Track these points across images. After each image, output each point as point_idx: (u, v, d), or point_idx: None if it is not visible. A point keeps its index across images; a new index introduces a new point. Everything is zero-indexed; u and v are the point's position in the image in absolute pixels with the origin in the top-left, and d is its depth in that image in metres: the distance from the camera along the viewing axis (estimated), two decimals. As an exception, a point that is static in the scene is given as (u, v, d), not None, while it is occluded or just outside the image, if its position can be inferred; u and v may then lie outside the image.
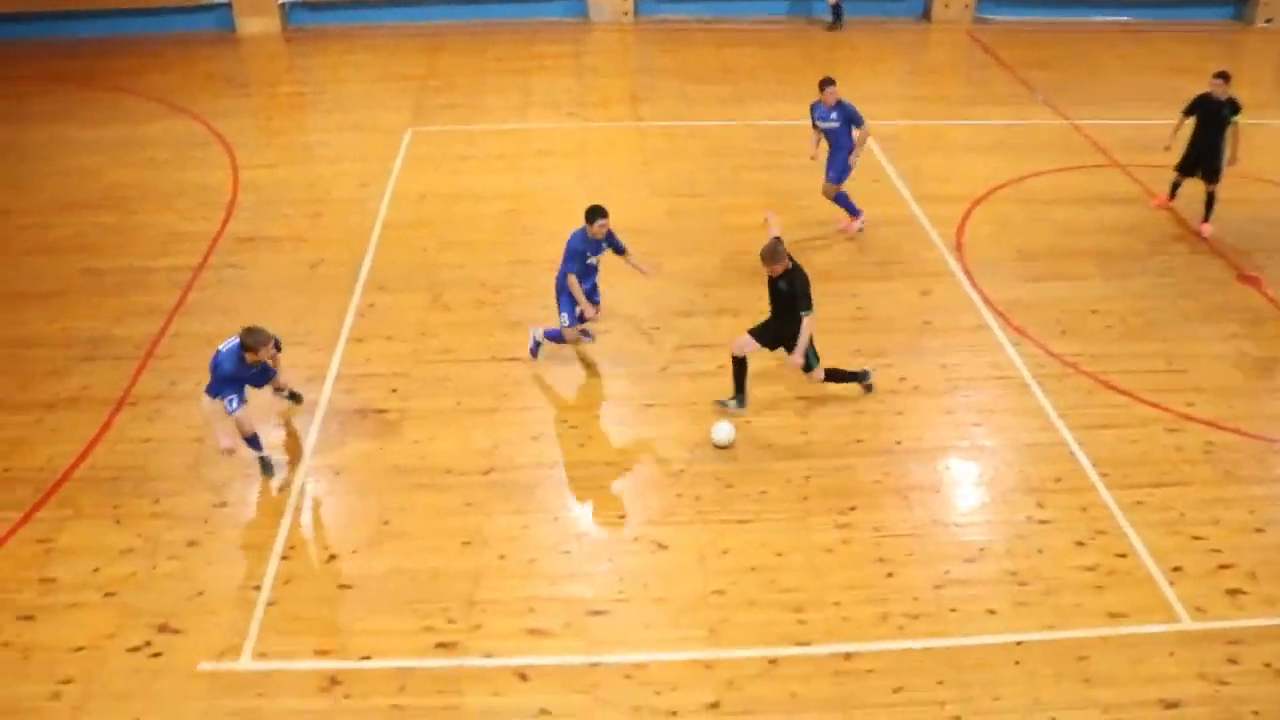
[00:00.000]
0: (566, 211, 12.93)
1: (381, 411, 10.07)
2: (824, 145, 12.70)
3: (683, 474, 9.24)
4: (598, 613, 8.03)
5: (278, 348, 9.18)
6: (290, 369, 10.12)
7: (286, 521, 8.90)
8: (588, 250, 10.13)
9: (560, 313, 10.36)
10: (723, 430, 9.59)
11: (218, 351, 8.96)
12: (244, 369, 9.01)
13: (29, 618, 8.13)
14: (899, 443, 9.66)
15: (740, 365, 9.85)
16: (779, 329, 9.63)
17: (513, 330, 11.13)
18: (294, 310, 11.60)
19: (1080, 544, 8.62)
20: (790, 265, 9.38)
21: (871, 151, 14.63)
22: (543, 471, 9.32)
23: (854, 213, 12.96)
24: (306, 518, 8.97)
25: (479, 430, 9.77)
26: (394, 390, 10.32)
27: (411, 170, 14.61)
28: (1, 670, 7.73)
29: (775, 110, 16.41)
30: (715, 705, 7.34)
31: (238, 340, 8.93)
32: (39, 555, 8.67)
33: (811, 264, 11.95)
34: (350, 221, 13.32)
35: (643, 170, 14.49)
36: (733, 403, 9.99)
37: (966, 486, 9.30)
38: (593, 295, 10.49)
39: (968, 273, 12.18)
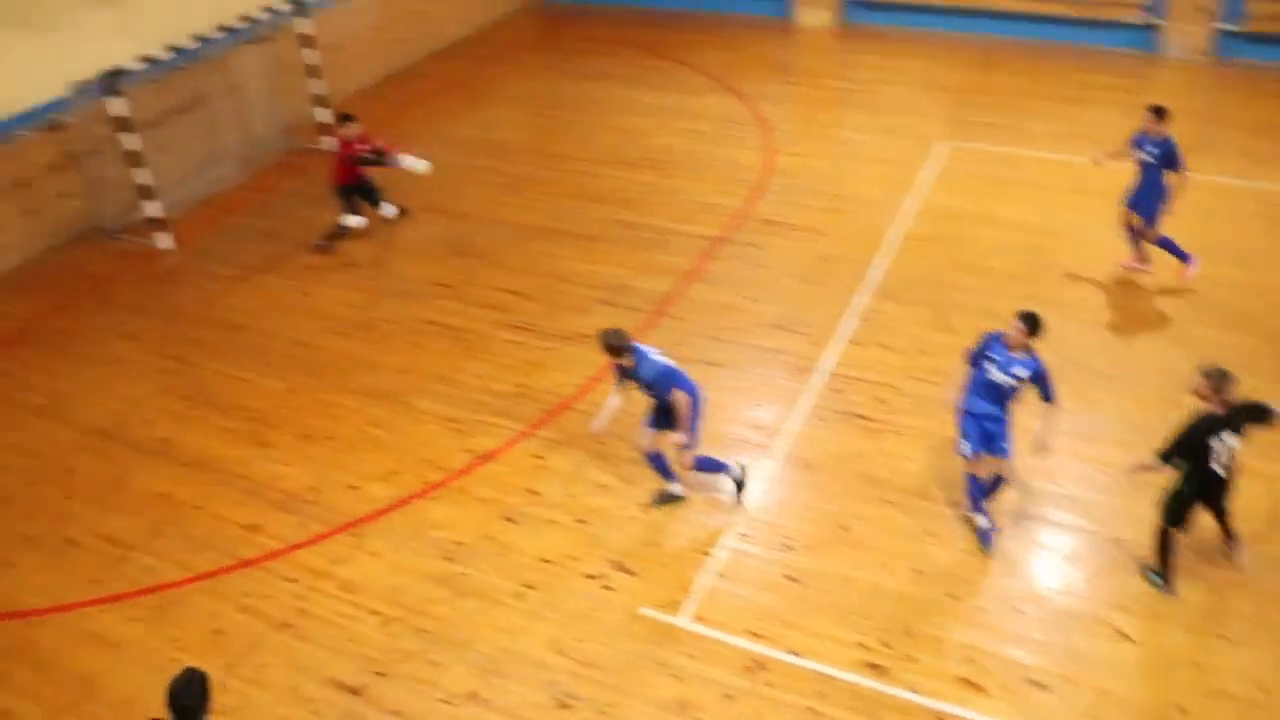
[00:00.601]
0: (1092, 258, 12.24)
1: (864, 418, 10.06)
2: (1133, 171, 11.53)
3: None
4: (1038, 685, 7.52)
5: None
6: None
7: (752, 500, 9.17)
8: (995, 362, 8.36)
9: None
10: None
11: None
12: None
13: (512, 520, 9.06)
14: None
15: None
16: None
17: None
18: (798, 299, 11.88)
19: None
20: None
21: None
22: (1009, 520, 8.89)
23: (1183, 258, 11.56)
24: (771, 501, 9.18)
25: (956, 460, 9.43)
26: (881, 400, 10.28)
27: (939, 183, 14.40)
28: (482, 559, 8.71)
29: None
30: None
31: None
32: (531, 468, 9.60)
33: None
34: (869, 223, 13.38)
35: (1179, 226, 13.28)
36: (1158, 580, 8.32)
37: None
38: (994, 442, 8.52)
39: None
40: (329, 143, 16.03)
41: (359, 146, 12.87)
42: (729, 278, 12.36)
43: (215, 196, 15.05)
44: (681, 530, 8.90)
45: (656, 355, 8.72)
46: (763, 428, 10.01)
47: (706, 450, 9.12)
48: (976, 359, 8.59)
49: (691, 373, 10.45)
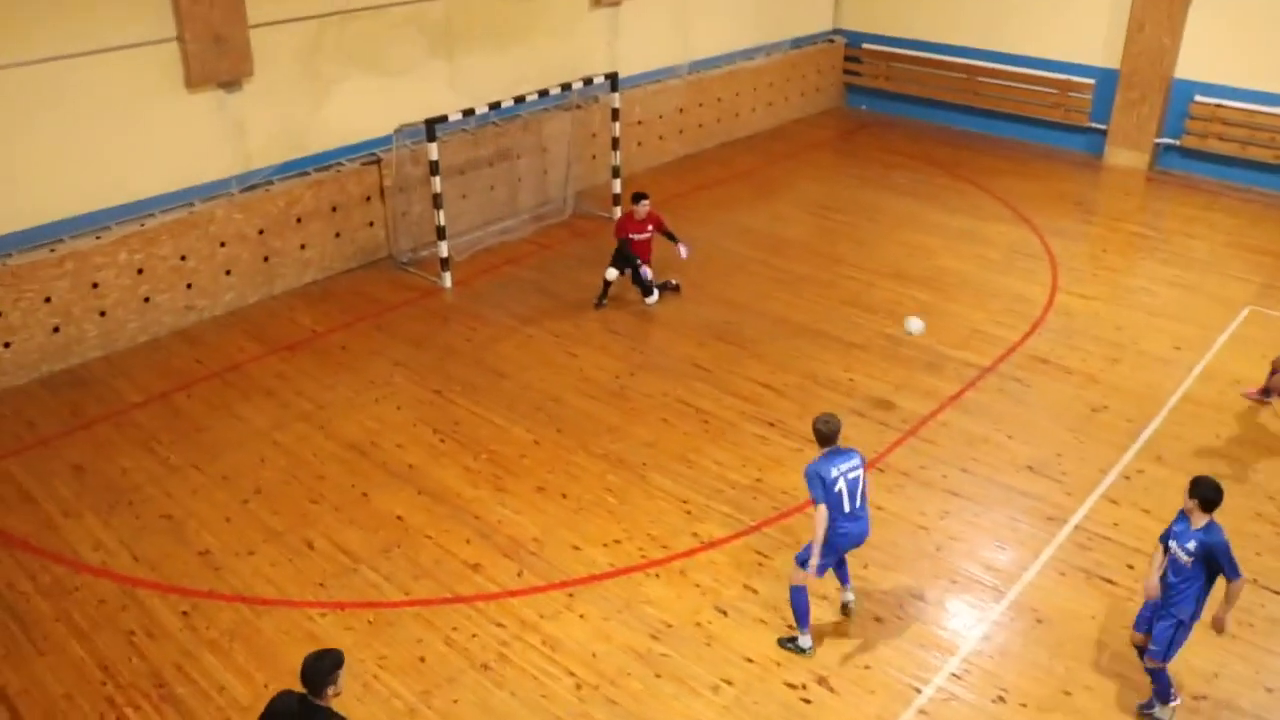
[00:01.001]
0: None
1: (1109, 581, 9.39)
2: None
3: None
4: None
5: None
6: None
7: (970, 642, 8.70)
8: (1176, 537, 7.78)
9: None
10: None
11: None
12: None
13: (724, 612, 8.95)
14: None
15: None
16: None
17: (1277, 558, 9.78)
18: (1060, 445, 11.28)
19: None
20: None
21: None
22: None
23: None
24: (990, 647, 8.68)
25: (1208, 649, 8.62)
26: (1130, 566, 9.56)
27: (1234, 349, 13.40)
28: (687, 644, 8.63)
29: None
30: None
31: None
32: (752, 564, 9.48)
33: None
34: (1150, 379, 12.59)
35: None
36: None
37: None
38: (1154, 623, 7.87)
39: None
40: (617, 212, 16.71)
41: (647, 228, 13.84)
42: (989, 410, 11.90)
43: (502, 246, 15.86)
44: (893, 659, 8.53)
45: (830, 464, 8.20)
46: (999, 570, 9.51)
47: (935, 587, 8.73)
48: (1166, 537, 7.94)
49: (933, 501, 10.26)
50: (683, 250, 14.13)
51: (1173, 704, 8.05)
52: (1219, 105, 19.29)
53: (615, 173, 16.83)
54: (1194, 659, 8.54)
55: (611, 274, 13.96)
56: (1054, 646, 8.70)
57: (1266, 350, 13.12)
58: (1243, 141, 19.17)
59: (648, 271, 13.93)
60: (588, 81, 15.95)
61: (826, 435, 8.27)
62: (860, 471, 8.33)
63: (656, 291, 14.12)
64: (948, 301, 14.43)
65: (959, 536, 9.88)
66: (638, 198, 13.86)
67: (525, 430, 11.39)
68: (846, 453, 8.33)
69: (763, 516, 10.08)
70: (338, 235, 14.75)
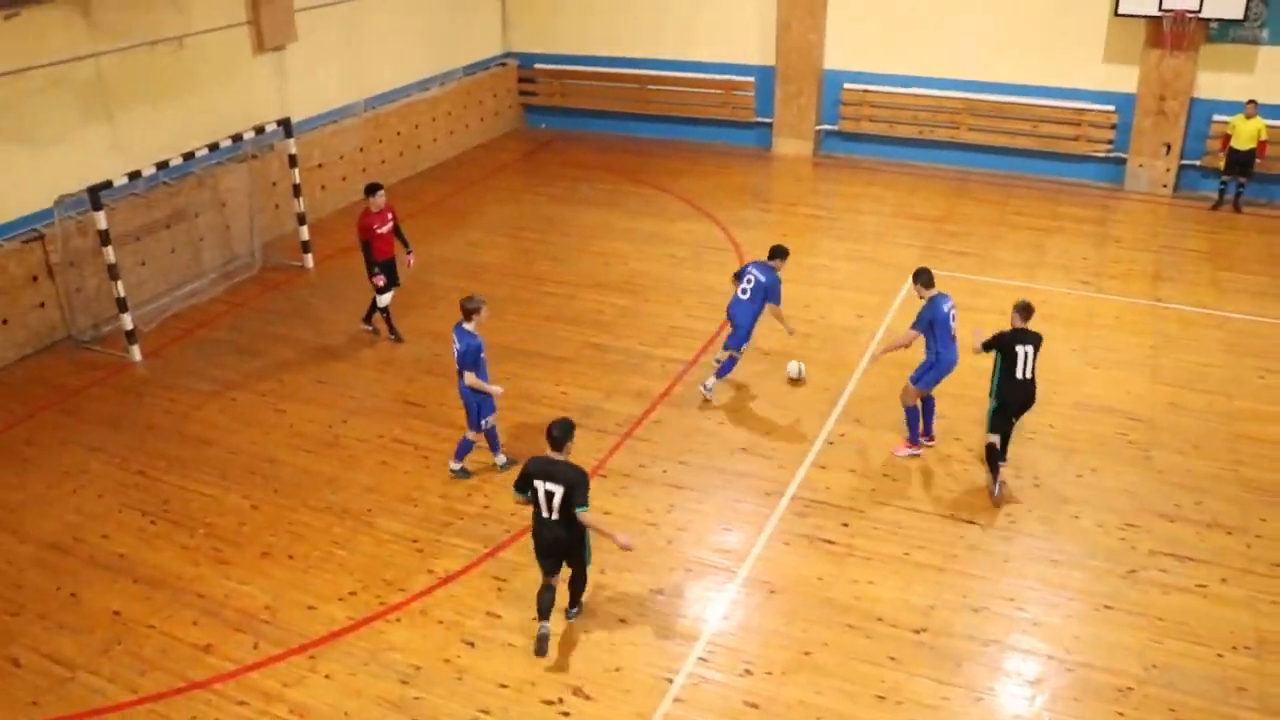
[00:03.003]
0: (1056, 381, 12.37)
1: (829, 542, 10.03)
2: None
3: (1130, 693, 8.33)
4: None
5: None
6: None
7: (712, 624, 9.08)
8: None
9: None
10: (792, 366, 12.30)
11: (468, 347, 10.41)
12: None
13: (471, 644, 8.91)
14: None
15: None
16: None
17: (977, 493, 10.71)
18: (768, 423, 11.93)
19: None
20: None
21: None
22: (976, 646, 8.79)
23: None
24: (731, 625, 9.08)
25: (921, 586, 9.44)
26: (845, 525, 10.26)
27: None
28: (439, 683, 8.54)
29: (1325, 315, 14.70)
30: None
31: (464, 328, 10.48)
32: (492, 591, 9.50)
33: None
34: (840, 349, 13.53)
35: (1149, 354, 13.48)
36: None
37: None
38: None
39: None
40: (309, 260, 16.32)
41: (388, 216, 13.63)
42: (698, 401, 12.42)
43: (191, 309, 15.15)
44: (641, 654, 8.77)
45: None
46: (729, 551, 9.96)
47: (671, 579, 9.02)
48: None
49: (658, 497, 10.63)
50: (411, 260, 13.99)
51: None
52: (866, 90, 20.92)
53: (301, 220, 16.43)
54: (911, 597, 9.27)
55: (386, 298, 13.83)
56: (789, 613, 9.19)
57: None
58: (890, 121, 20.90)
59: (384, 297, 13.83)
60: (260, 130, 15.51)
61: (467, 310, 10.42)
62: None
63: (378, 320, 14.07)
64: (645, 303, 14.96)
65: (686, 526, 10.27)
66: (373, 189, 13.57)
67: (241, 496, 10.95)
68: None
69: (496, 542, 10.12)
70: (4, 322, 13.64)
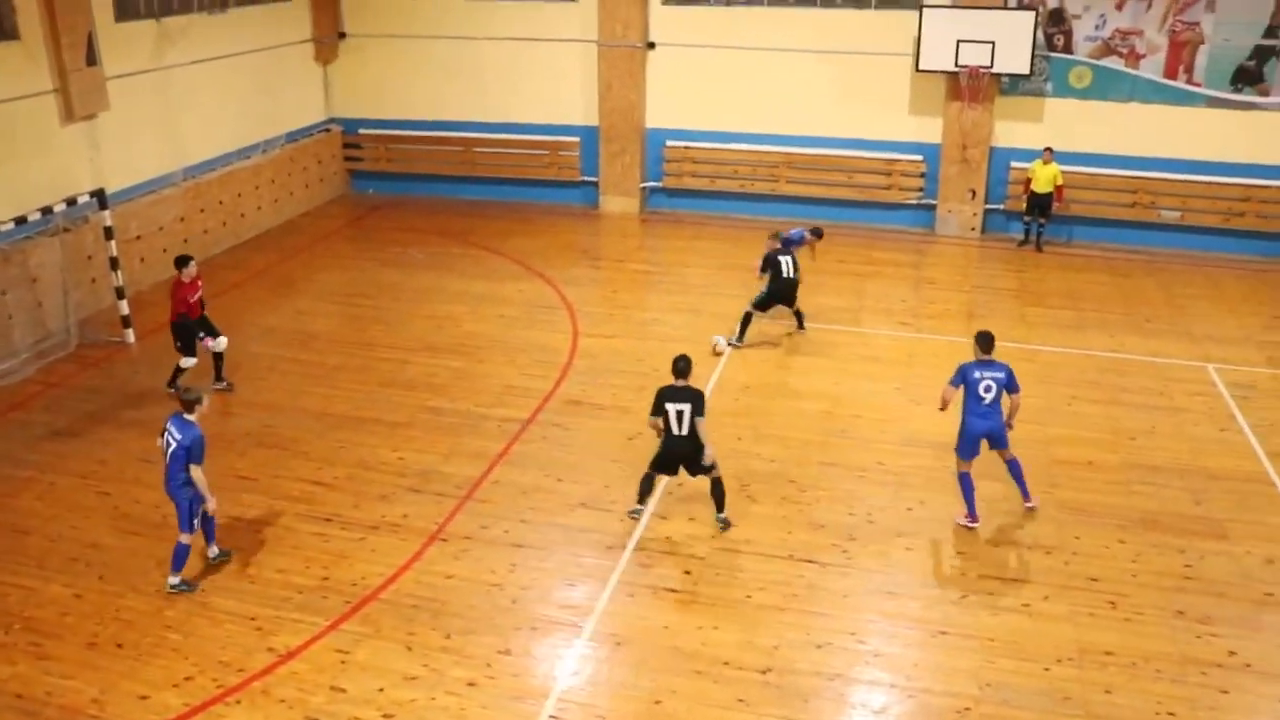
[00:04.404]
0: (884, 420, 12.89)
1: (673, 590, 10.16)
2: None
3: (968, 713, 8.68)
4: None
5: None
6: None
7: (562, 680, 9.06)
8: None
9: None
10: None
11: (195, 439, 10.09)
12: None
13: (315, 722, 8.67)
14: (1219, 729, 8.71)
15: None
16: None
17: (814, 531, 11.03)
18: (606, 477, 12.04)
19: None
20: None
21: (1222, 399, 13.76)
22: (821, 682, 9.02)
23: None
24: (581, 680, 9.08)
25: (764, 627, 9.64)
26: (687, 572, 10.41)
27: (737, 359, 15.03)
28: (283, 770, 8.23)
29: (1120, 342, 15.72)
30: None
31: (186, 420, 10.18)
32: (335, 664, 9.26)
33: (1139, 508, 11.31)
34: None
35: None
36: None
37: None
38: None
39: (1325, 552, 11.01)
40: (129, 335, 15.76)
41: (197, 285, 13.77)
42: (536, 459, 12.47)
43: (2, 391, 14.39)
44: (493, 717, 8.68)
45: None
46: (573, 607, 9.97)
47: (518, 638, 8.97)
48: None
49: (500, 557, 10.58)
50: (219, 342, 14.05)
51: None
52: (687, 147, 21.52)
53: (120, 294, 15.87)
54: (755, 639, 9.46)
55: (189, 362, 13.90)
56: (637, 663, 9.25)
57: (765, 356, 14.82)
58: (712, 176, 21.55)
59: (219, 343, 13.99)
60: (72, 201, 14.97)
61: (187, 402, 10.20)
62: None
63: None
64: (479, 364, 14.97)
65: (530, 585, 10.25)
66: (183, 260, 13.73)
67: (63, 586, 10.41)
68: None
69: (337, 613, 9.88)
70: None
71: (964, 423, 11.08)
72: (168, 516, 11.37)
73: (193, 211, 19.15)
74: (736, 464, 12.23)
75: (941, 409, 11.19)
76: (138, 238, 17.69)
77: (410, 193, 23.36)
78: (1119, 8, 19.18)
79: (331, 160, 23.38)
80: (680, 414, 10.62)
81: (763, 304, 15.33)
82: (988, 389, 10.92)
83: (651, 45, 21.23)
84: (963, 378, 11.02)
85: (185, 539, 10.18)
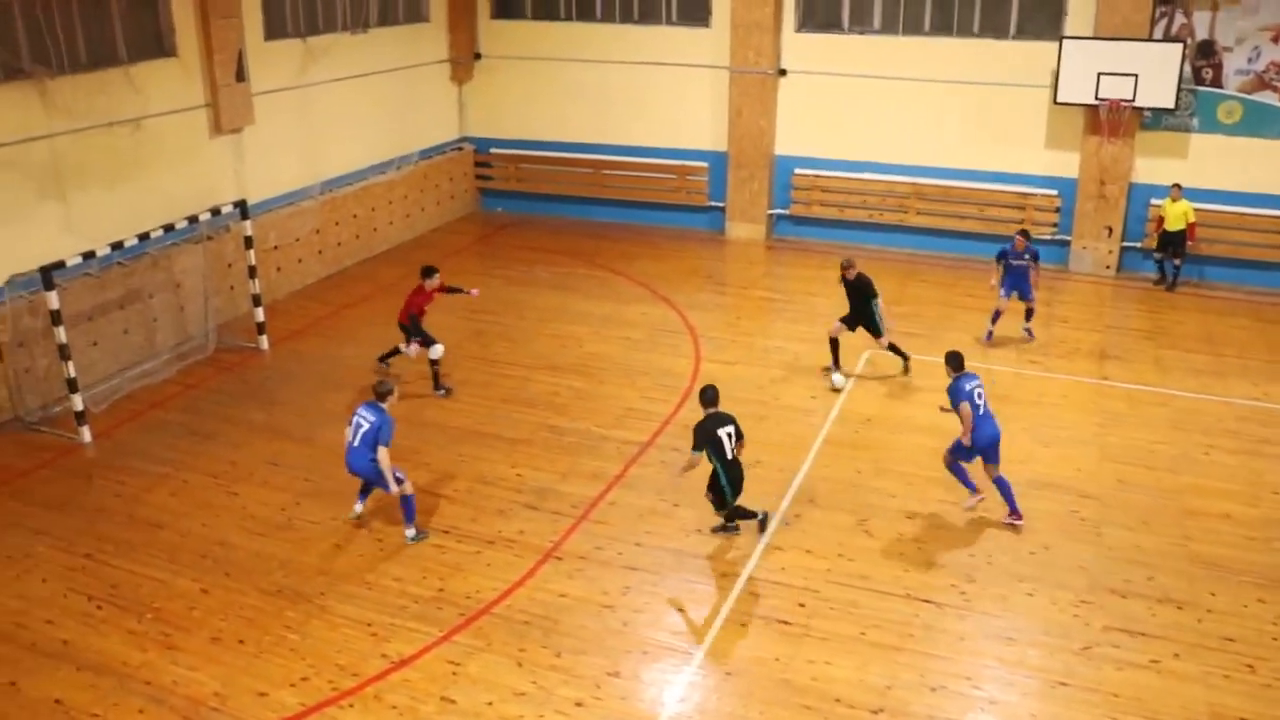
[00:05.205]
0: (1009, 460, 12.48)
1: (785, 622, 10.02)
2: None
3: (1088, 772, 8.37)
4: None
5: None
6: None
7: (669, 707, 9.00)
8: None
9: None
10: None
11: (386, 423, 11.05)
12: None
13: (425, 733, 8.78)
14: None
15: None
16: None
17: (932, 570, 10.77)
18: (722, 503, 11.97)
19: None
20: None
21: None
22: (937, 726, 8.81)
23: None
24: (688, 708, 9.01)
25: (878, 666, 9.43)
26: (801, 605, 10.26)
27: (862, 391, 14.81)
28: (392, 776, 8.34)
29: (1264, 391, 15.01)
30: None
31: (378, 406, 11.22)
32: (446, 674, 9.37)
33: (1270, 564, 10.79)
34: (794, 430, 13.63)
35: (1097, 432, 13.73)
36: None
37: None
38: None
39: None
40: (264, 341, 16.26)
41: (437, 293, 14.84)
42: (653, 483, 12.45)
43: (144, 390, 15.00)
44: (598, 740, 8.69)
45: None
46: (684, 633, 9.92)
47: (627, 661, 8.93)
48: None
49: (614, 579, 10.59)
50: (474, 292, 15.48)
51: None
52: (817, 175, 21.37)
53: (257, 301, 16.41)
54: (868, 677, 9.27)
55: (438, 350, 14.75)
56: (746, 695, 9.15)
57: (890, 389, 14.60)
58: (840, 205, 21.35)
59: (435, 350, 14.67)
60: (216, 211, 15.54)
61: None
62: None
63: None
64: (600, 384, 15.04)
65: (642, 608, 10.23)
66: (429, 271, 14.73)
67: (191, 580, 10.77)
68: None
69: (451, 625, 10.01)
70: (-50, 405, 13.47)
71: (981, 432, 11.45)
72: (292, 519, 11.76)
73: (328, 224, 19.73)
74: (854, 497, 12.05)
75: (966, 433, 11.47)
76: (275, 248, 18.29)
77: (538, 212, 23.68)
78: (1276, 40, 18.43)
79: (463, 178, 23.86)
80: (730, 436, 10.82)
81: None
82: (980, 396, 11.55)
83: (783, 72, 21.17)
84: (964, 394, 11.49)
85: (408, 489, 11.28)
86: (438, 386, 14.74)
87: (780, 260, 20.85)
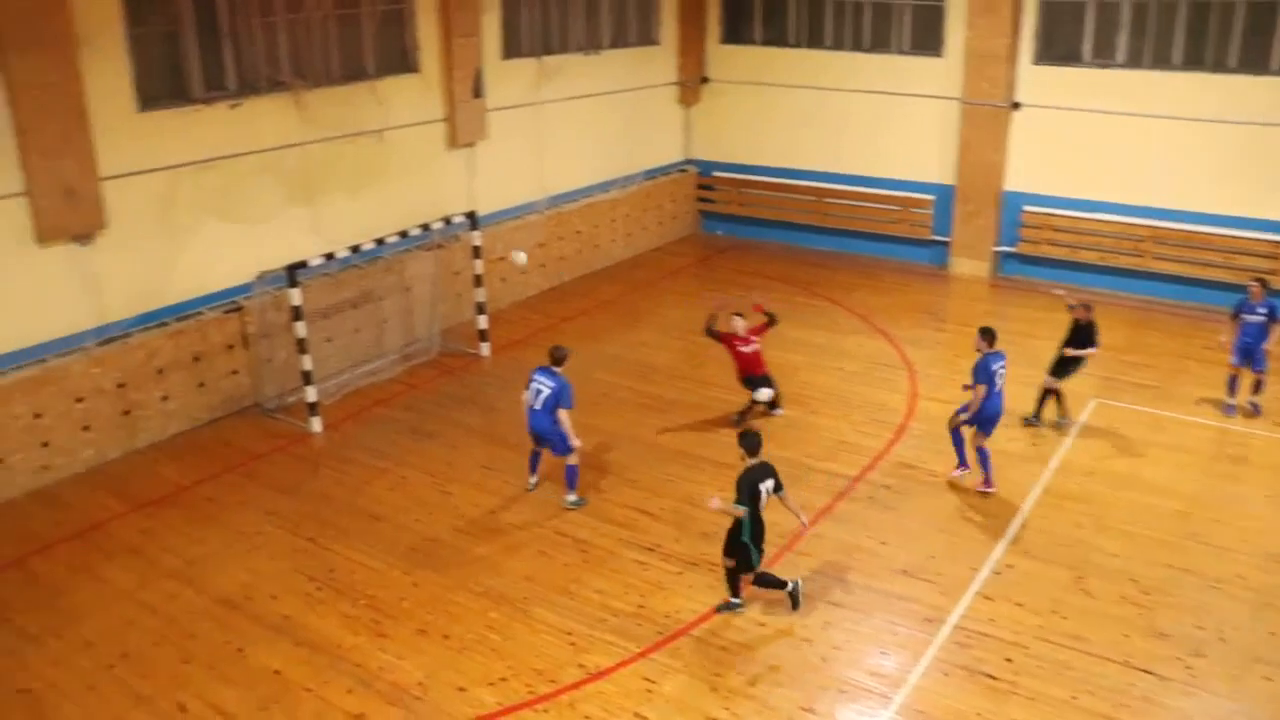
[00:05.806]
0: (1248, 529, 11.68)
1: (991, 677, 9.58)
2: None
3: None
4: None
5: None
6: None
7: (865, 751, 8.76)
8: None
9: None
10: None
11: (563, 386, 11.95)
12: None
13: (616, 746, 8.81)
14: None
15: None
16: None
17: (1155, 640, 10.09)
18: (932, 547, 11.58)
19: None
20: None
21: None
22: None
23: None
24: (885, 755, 8.75)
25: (1088, 733, 8.93)
26: (1009, 660, 9.80)
27: (1085, 441, 14.09)
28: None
29: None
30: None
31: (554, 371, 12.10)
32: (641, 691, 9.40)
33: None
34: (1011, 476, 13.07)
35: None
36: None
37: None
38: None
39: None
40: (485, 348, 16.80)
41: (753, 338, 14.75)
42: (861, 519, 12.18)
43: (370, 387, 15.73)
44: (789, 775, 8.52)
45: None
46: (884, 676, 9.63)
47: (823, 699, 8.73)
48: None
49: (814, 613, 10.39)
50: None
51: None
52: (1049, 214, 20.55)
53: (481, 309, 16.97)
54: (1076, 747, 8.74)
55: (764, 394, 14.46)
56: (944, 747, 8.81)
57: (1116, 442, 13.86)
58: (1072, 246, 20.44)
59: (765, 393, 14.44)
60: (447, 221, 16.16)
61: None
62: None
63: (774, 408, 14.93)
64: (812, 415, 14.84)
65: (842, 646, 10.00)
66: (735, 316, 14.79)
67: (403, 572, 11.19)
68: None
69: (648, 642, 10.03)
70: (201, 385, 14.45)
71: (988, 406, 12.48)
72: (502, 523, 12.04)
73: (552, 238, 20.24)
74: (1074, 554, 11.44)
75: (972, 410, 12.49)
76: (501, 259, 18.86)
77: (758, 238, 23.64)
78: None
79: (685, 200, 24.07)
80: (767, 491, 10.29)
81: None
82: (1000, 376, 12.56)
83: (1017, 105, 20.48)
84: (986, 372, 12.45)
85: (572, 460, 12.20)
86: (771, 406, 14.84)
87: (1005, 299, 20.12)
